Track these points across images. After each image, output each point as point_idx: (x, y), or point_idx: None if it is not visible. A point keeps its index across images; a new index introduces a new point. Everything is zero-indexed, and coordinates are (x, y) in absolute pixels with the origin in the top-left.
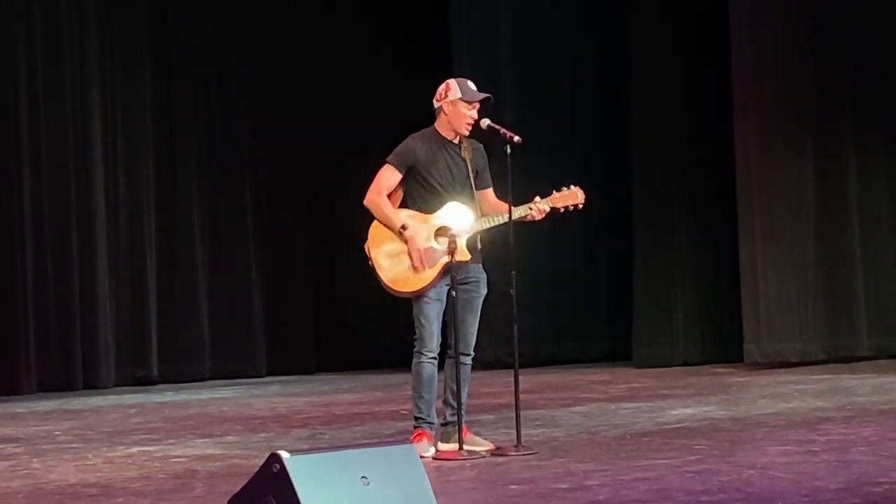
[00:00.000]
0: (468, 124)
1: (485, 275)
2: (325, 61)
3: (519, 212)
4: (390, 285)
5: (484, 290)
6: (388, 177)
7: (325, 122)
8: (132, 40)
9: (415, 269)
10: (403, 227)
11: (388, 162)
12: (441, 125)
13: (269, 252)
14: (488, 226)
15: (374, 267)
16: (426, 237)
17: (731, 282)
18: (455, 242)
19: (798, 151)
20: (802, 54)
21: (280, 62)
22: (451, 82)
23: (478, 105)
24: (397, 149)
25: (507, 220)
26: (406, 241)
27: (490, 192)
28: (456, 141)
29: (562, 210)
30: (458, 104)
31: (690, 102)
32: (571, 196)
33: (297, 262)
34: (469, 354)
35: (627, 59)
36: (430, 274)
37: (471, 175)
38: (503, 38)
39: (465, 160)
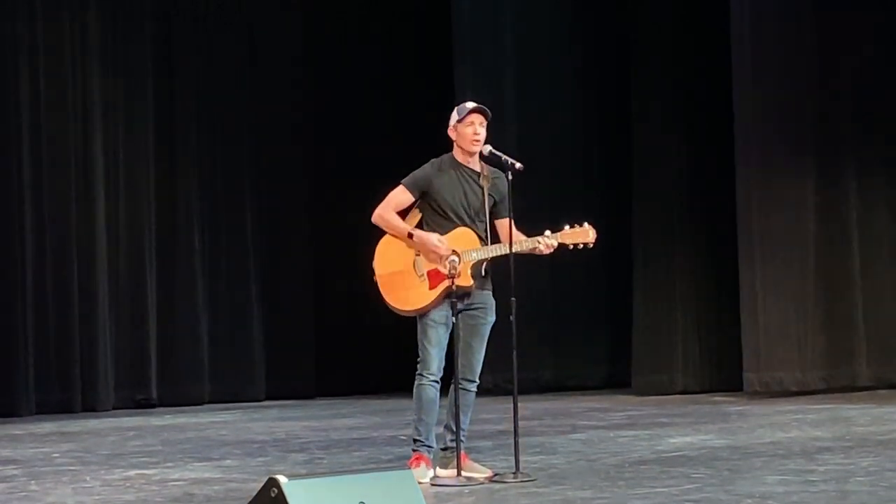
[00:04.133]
0: (473, 142)
1: (493, 302)
2: (327, 77)
3: (525, 245)
4: (394, 304)
5: (492, 318)
6: (399, 197)
7: (327, 144)
8: (135, 57)
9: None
10: (410, 235)
11: (402, 183)
12: (456, 152)
13: (269, 276)
14: (491, 255)
15: (378, 285)
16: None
17: (731, 310)
18: (455, 267)
19: (799, 181)
20: (804, 81)
21: (282, 79)
22: (455, 110)
23: (479, 119)
24: (414, 172)
25: (509, 250)
26: (417, 247)
27: (506, 222)
28: (476, 168)
29: (570, 247)
30: (458, 127)
31: (691, 129)
32: (582, 234)
33: (297, 286)
34: (474, 381)
35: (629, 80)
36: (433, 293)
37: (486, 203)
38: (505, 53)
39: (482, 188)
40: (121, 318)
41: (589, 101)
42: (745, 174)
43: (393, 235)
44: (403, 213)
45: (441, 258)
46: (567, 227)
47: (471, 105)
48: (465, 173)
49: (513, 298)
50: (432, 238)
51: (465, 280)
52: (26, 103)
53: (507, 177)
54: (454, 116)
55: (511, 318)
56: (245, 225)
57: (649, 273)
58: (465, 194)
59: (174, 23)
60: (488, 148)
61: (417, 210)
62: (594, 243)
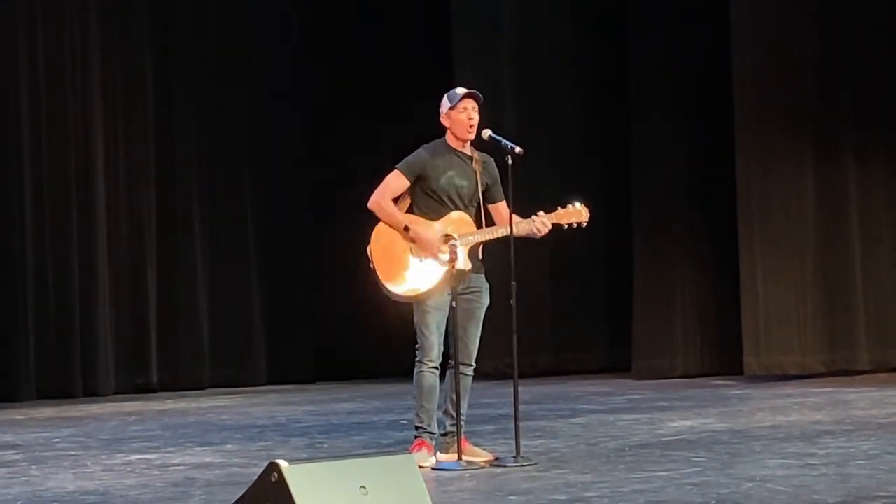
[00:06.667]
0: (468, 128)
1: (487, 285)
2: (327, 73)
3: (522, 227)
4: (393, 289)
5: (486, 301)
6: (395, 182)
7: (327, 132)
8: (134, 51)
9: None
10: (406, 228)
11: (397, 168)
12: (449, 137)
13: (269, 261)
14: (489, 237)
15: (374, 270)
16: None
17: (731, 294)
18: (455, 251)
19: (799, 165)
20: (805, 68)
21: (281, 71)
22: (445, 96)
23: (471, 104)
24: (408, 157)
25: (507, 232)
26: (412, 240)
27: (502, 205)
28: (468, 152)
29: (565, 227)
30: (451, 114)
31: (691, 115)
32: (576, 214)
33: (298, 270)
34: (471, 365)
35: (628, 65)
36: (432, 280)
37: (479, 188)
38: (504, 47)
39: (475, 172)
40: (121, 302)
41: (588, 86)
42: (746, 159)
43: (387, 225)
44: (396, 199)
45: (437, 254)
46: (560, 208)
47: (461, 90)
48: (458, 158)
49: (513, 283)
50: (430, 235)
51: (464, 263)
52: (25, 89)
53: (507, 160)
54: (445, 104)
55: (511, 302)
56: (245, 209)
57: (649, 257)
58: (460, 179)
59: (171, 19)
60: (488, 132)
61: (407, 194)
62: (588, 222)
